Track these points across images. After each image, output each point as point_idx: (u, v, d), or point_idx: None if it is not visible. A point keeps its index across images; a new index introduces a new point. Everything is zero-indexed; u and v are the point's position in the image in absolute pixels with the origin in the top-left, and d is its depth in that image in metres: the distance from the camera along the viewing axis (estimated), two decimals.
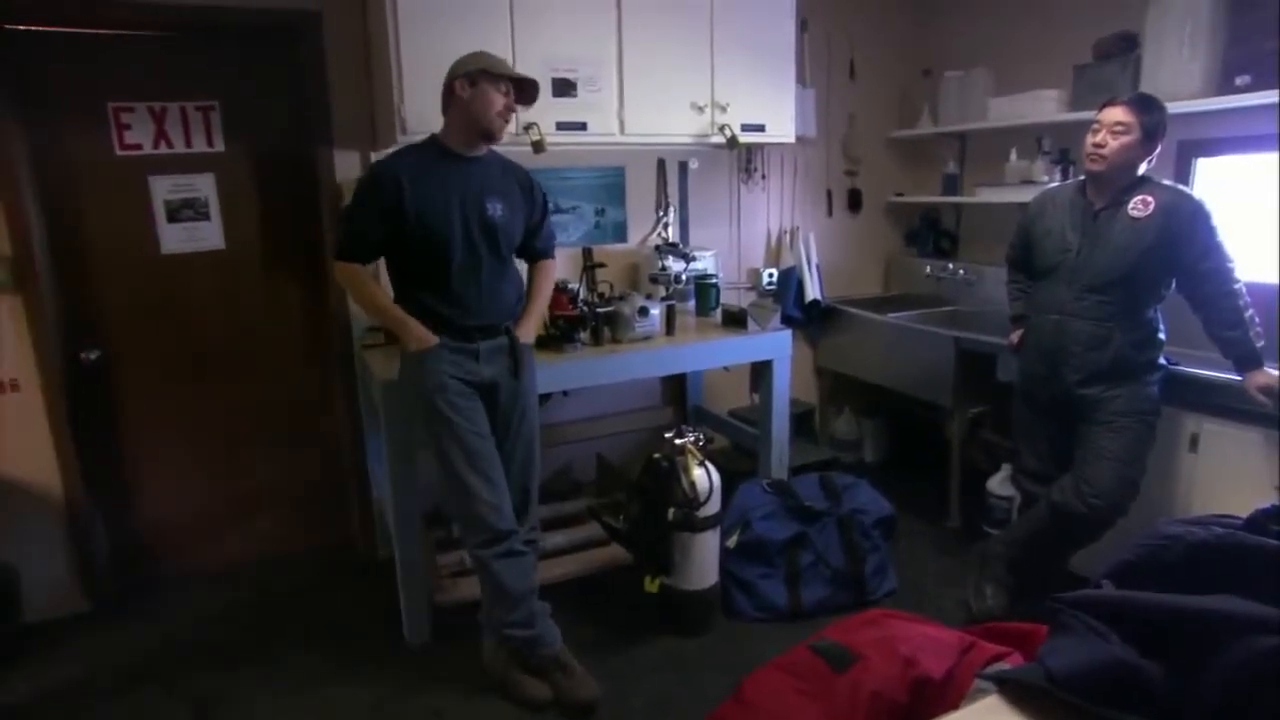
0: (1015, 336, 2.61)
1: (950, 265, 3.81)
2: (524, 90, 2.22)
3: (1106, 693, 0.85)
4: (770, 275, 3.73)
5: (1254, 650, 0.80)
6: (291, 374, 3.10)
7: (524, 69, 2.60)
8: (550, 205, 2.53)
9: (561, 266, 3.01)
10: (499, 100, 2.13)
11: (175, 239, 2.84)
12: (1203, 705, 0.82)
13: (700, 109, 2.99)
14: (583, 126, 2.80)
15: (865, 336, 3.67)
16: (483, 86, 2.10)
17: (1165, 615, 0.88)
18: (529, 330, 2.34)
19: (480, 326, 2.21)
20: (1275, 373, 2.19)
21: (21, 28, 2.53)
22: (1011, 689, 0.96)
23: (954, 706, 1.40)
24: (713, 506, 2.57)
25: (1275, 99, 2.40)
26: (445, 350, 2.17)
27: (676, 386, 3.74)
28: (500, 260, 2.24)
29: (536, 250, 2.42)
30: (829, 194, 3.95)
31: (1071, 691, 0.87)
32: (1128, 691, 0.85)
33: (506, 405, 2.30)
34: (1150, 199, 2.23)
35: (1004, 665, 1.46)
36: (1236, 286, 2.20)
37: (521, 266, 2.42)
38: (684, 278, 3.25)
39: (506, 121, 2.19)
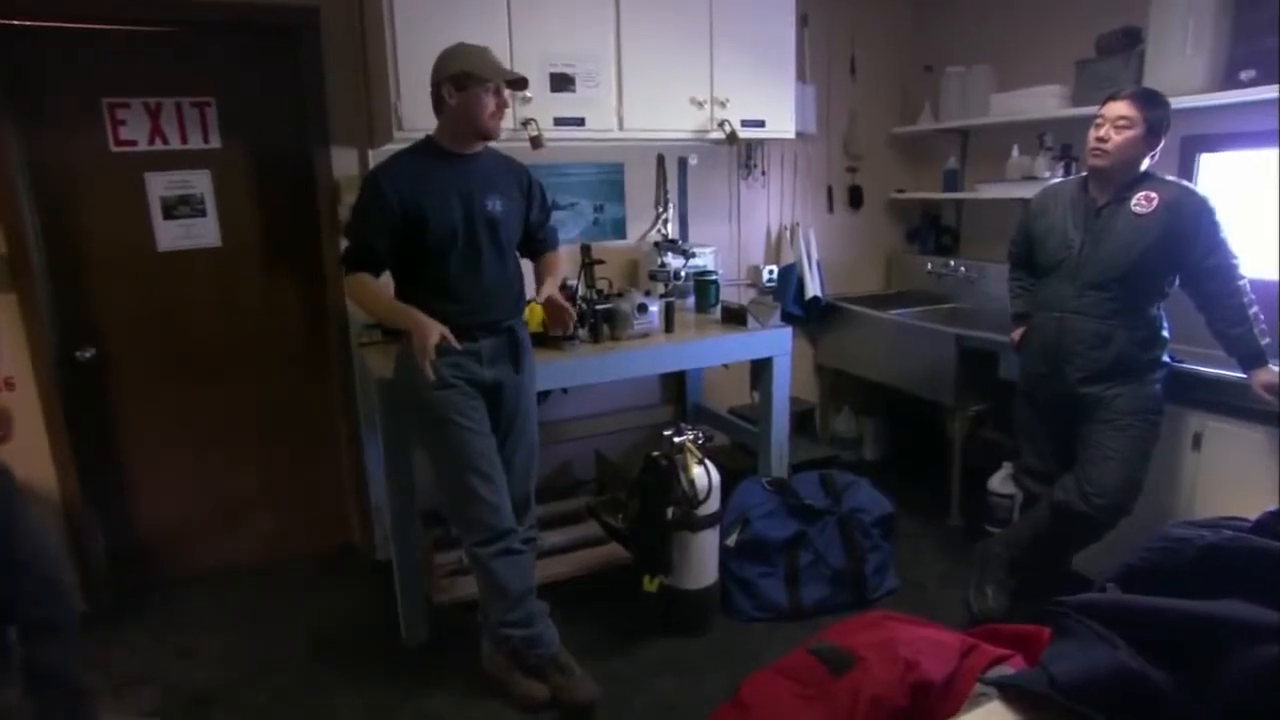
0: (1017, 334, 2.59)
1: (951, 262, 3.78)
2: (514, 80, 2.18)
3: (1112, 701, 0.84)
4: (770, 272, 3.72)
5: (1264, 658, 0.78)
6: (289, 372, 3.08)
7: (521, 65, 2.59)
8: (550, 202, 2.50)
9: (561, 263, 3.00)
10: (490, 102, 2.08)
11: (171, 236, 2.82)
12: (1211, 715, 0.80)
13: (700, 104, 2.96)
14: (581, 122, 2.78)
15: (866, 334, 3.65)
16: (472, 91, 2.06)
17: (1174, 621, 0.86)
18: (551, 289, 2.29)
19: (483, 323, 2.19)
20: None
21: (15, 22, 2.50)
22: (1014, 694, 0.94)
23: (955, 710, 1.38)
24: (712, 505, 2.55)
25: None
26: (446, 349, 2.15)
27: (676, 384, 3.72)
28: (501, 256, 2.22)
29: (539, 242, 2.39)
30: (829, 190, 3.93)
31: (1076, 699, 0.85)
32: (1134, 700, 0.84)
33: (508, 406, 2.28)
34: (1154, 195, 2.21)
35: (1006, 669, 1.44)
36: (1241, 283, 2.18)
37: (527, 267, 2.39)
38: (683, 274, 3.23)
39: (501, 119, 2.15)
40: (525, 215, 2.30)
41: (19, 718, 1.89)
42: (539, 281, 2.36)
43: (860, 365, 3.75)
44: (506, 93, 2.15)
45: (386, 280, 2.20)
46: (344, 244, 2.19)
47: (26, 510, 1.93)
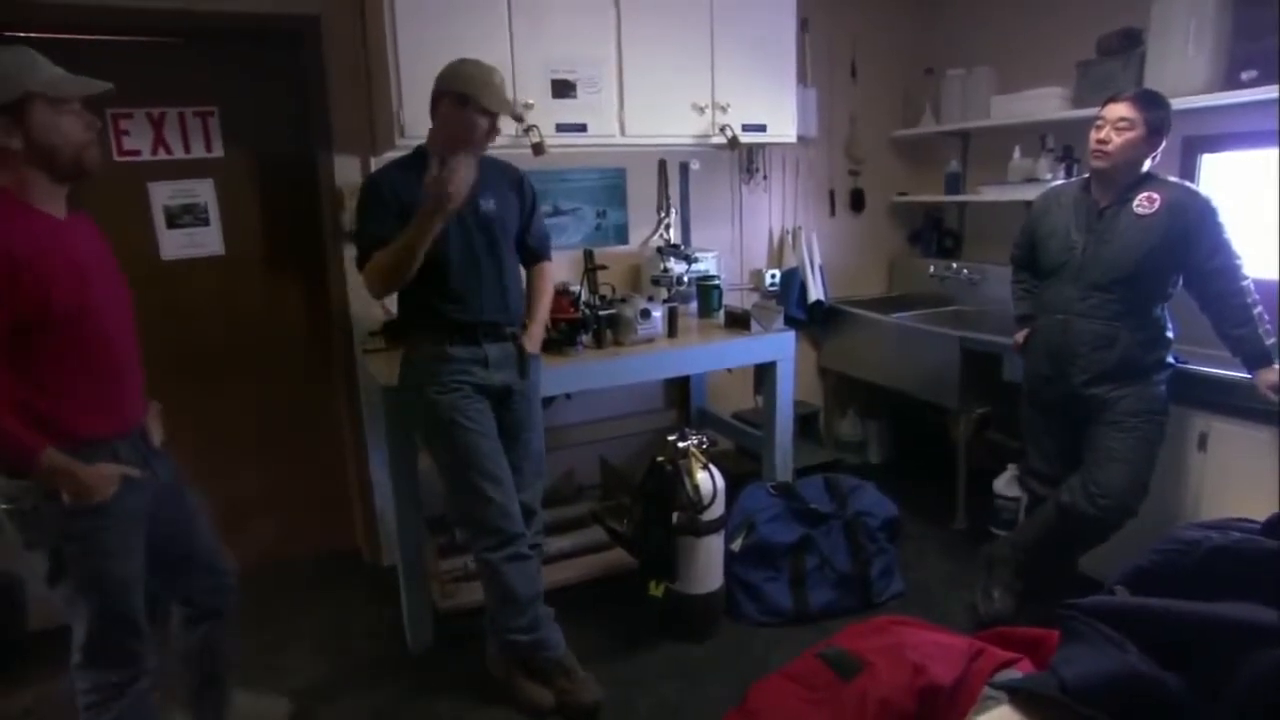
0: (1021, 336, 2.59)
1: (954, 265, 3.78)
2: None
3: (1122, 704, 0.83)
4: (773, 276, 3.72)
5: (1274, 661, 0.77)
6: (293, 379, 3.08)
7: (523, 71, 2.60)
8: (549, 207, 2.49)
9: (563, 269, 3.01)
10: (483, 124, 2.09)
11: (175, 245, 2.83)
12: (1222, 718, 0.79)
13: (701, 109, 2.97)
14: (583, 128, 2.78)
15: (869, 337, 3.65)
16: (470, 113, 2.06)
17: (1183, 623, 0.86)
18: (533, 340, 2.31)
19: (485, 325, 2.19)
20: None
21: (17, 34, 2.51)
22: (1023, 698, 0.94)
23: (963, 714, 1.38)
24: (717, 510, 2.55)
25: None
26: (451, 353, 2.15)
27: (679, 389, 3.72)
28: (498, 256, 2.21)
29: (531, 250, 2.39)
30: (831, 194, 3.93)
31: (1085, 702, 0.85)
32: (1144, 703, 0.83)
33: (514, 414, 2.28)
34: (1156, 196, 2.21)
35: (1014, 673, 1.44)
36: (1245, 284, 2.18)
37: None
38: (686, 279, 3.23)
39: (492, 139, 2.15)
40: (520, 213, 2.30)
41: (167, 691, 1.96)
42: (527, 305, 2.34)
43: (864, 369, 3.75)
44: (501, 121, 2.15)
45: None
46: (356, 249, 2.15)
47: (193, 500, 1.96)
